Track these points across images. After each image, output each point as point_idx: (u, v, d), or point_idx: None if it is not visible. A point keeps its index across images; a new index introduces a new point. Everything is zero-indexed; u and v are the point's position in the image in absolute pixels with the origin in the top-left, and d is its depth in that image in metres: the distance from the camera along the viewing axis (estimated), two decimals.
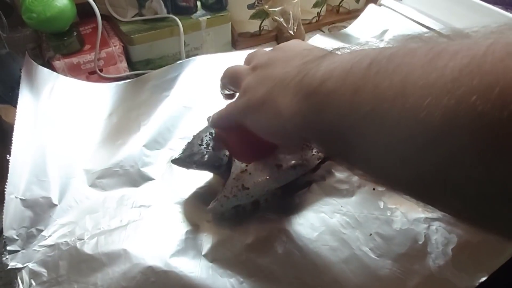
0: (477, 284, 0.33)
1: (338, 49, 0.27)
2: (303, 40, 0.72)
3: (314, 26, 0.77)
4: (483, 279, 0.34)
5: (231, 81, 0.35)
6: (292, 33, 0.69)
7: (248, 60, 0.35)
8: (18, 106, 0.42)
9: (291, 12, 0.67)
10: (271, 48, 0.34)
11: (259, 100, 0.28)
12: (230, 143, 0.38)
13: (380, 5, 0.73)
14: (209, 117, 0.37)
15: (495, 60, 0.15)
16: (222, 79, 0.37)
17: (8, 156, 0.37)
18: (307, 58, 0.28)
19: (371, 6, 0.73)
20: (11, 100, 0.43)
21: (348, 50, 0.26)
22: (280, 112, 0.26)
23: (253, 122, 0.30)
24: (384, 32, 0.70)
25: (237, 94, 0.35)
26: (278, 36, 0.71)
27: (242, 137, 0.37)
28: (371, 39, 0.69)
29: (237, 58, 0.60)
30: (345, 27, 0.73)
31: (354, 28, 0.71)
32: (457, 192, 0.17)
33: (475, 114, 0.15)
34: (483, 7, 0.61)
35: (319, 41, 0.68)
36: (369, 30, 0.70)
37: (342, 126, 0.22)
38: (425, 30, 0.67)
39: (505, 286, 0.33)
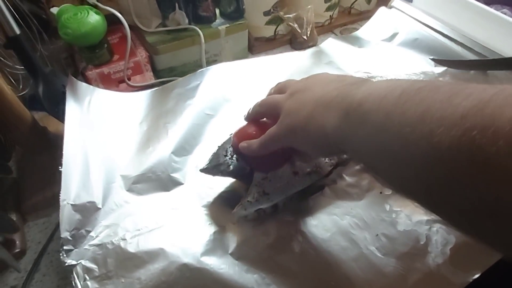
0: (470, 280, 0.37)
1: (374, 77, 0.32)
2: (315, 43, 0.75)
3: (327, 28, 0.79)
4: (476, 275, 0.38)
5: (270, 109, 0.40)
6: (306, 37, 0.72)
7: (279, 89, 0.40)
8: (66, 119, 0.47)
9: (305, 18, 0.70)
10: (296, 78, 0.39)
11: (305, 119, 0.34)
12: (247, 158, 0.43)
13: (390, 7, 0.75)
14: (232, 135, 0.42)
15: (495, 106, 0.20)
16: (259, 108, 0.42)
17: (60, 167, 0.42)
18: (345, 82, 0.33)
19: (382, 9, 0.75)
20: (57, 114, 0.48)
21: (380, 79, 0.31)
22: (324, 128, 0.32)
23: (300, 139, 0.35)
24: (394, 35, 0.72)
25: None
26: (292, 40, 0.75)
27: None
28: (381, 42, 0.72)
29: (253, 65, 0.65)
30: (357, 29, 0.75)
31: (365, 31, 0.73)
32: (455, 205, 0.22)
33: (474, 145, 0.19)
34: (490, 13, 0.63)
35: (332, 44, 0.71)
36: (380, 33, 0.73)
37: (374, 141, 0.27)
38: (433, 33, 0.69)
39: (496, 282, 0.37)
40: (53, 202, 0.43)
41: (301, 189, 0.45)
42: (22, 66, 0.48)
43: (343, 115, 0.30)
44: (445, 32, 0.68)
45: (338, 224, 0.43)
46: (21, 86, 0.55)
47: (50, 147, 0.48)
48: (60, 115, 0.47)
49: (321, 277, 0.39)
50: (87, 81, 0.57)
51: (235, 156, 0.44)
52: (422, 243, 0.41)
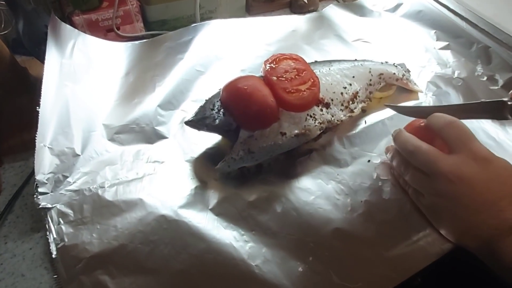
0: (446, 251, 0.37)
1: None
2: (316, 8, 0.72)
3: None
4: (451, 246, 0.38)
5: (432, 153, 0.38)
6: (306, 1, 0.69)
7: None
8: (46, 61, 0.45)
9: None
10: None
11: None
12: (235, 113, 0.41)
13: None
14: (221, 88, 0.41)
15: None
16: (441, 131, 0.39)
17: (37, 108, 0.40)
18: None
19: None
20: (38, 55, 0.45)
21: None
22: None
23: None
24: (398, 6, 0.70)
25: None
26: (292, 2, 0.72)
27: (246, 106, 0.40)
28: (384, 12, 0.69)
29: (248, 25, 0.62)
30: None
31: (369, 0, 0.71)
32: None
33: None
34: None
35: (333, 10, 0.68)
36: (383, 3, 0.71)
37: None
38: (438, 6, 0.67)
39: (469, 253, 0.37)
40: (31, 146, 0.42)
41: (287, 151, 0.44)
42: (3, 1, 0.45)
43: None
44: (450, 6, 0.66)
45: (322, 188, 0.43)
46: (2, 25, 0.52)
47: (31, 90, 0.46)
48: (41, 56, 0.45)
49: (300, 238, 0.38)
50: (74, 27, 0.55)
51: (222, 110, 0.43)
52: (406, 212, 0.41)
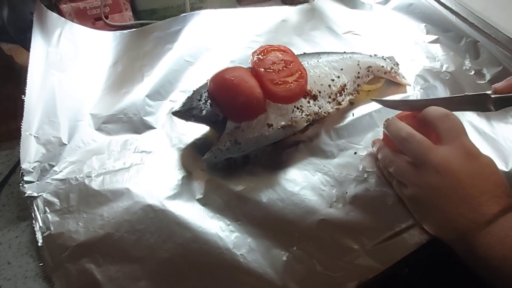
0: (424, 241, 0.38)
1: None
2: (308, 0, 0.72)
3: None
4: (429, 238, 0.38)
5: (423, 142, 0.38)
6: None
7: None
8: (31, 49, 0.45)
9: None
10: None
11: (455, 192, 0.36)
12: (222, 104, 0.41)
13: None
14: (209, 80, 0.41)
15: None
16: (433, 122, 0.39)
17: (23, 96, 0.40)
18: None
19: None
20: (23, 42, 0.45)
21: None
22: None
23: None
24: None
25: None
26: None
27: (233, 98, 0.40)
28: (375, 5, 0.69)
29: (239, 16, 0.62)
30: None
31: None
32: None
33: None
34: None
35: (324, 2, 0.68)
36: None
37: None
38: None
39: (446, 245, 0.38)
40: (17, 135, 0.42)
41: (274, 143, 0.44)
42: None
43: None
44: None
45: (309, 179, 0.43)
46: None
47: (16, 78, 0.46)
48: (26, 44, 0.45)
49: (285, 228, 0.39)
50: (61, 15, 0.54)
51: (209, 101, 0.43)
52: (390, 203, 0.41)
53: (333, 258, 0.37)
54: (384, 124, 0.43)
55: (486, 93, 0.41)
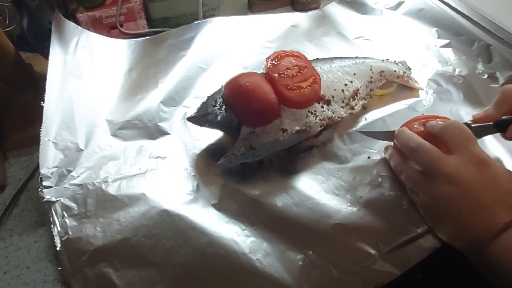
0: (439, 246, 0.38)
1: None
2: (318, 6, 0.72)
3: None
4: (443, 243, 0.38)
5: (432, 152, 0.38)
6: None
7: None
8: (49, 58, 0.46)
9: None
10: None
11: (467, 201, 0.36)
12: (237, 109, 0.42)
13: None
14: (224, 85, 0.41)
15: None
16: (438, 132, 0.39)
17: (42, 103, 0.41)
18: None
19: None
20: (42, 51, 0.46)
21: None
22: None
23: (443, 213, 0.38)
24: (400, 3, 0.70)
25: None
26: (294, 0, 0.72)
27: (248, 103, 0.40)
28: (386, 10, 0.69)
29: (251, 22, 0.63)
30: None
31: None
32: None
33: None
34: None
35: (335, 8, 0.68)
36: (385, 0, 0.71)
37: None
38: (440, 3, 0.67)
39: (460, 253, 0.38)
40: (36, 141, 0.42)
41: (288, 147, 0.45)
42: None
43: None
44: (452, 4, 0.66)
45: (323, 184, 0.43)
46: (7, 22, 0.53)
47: (35, 86, 0.47)
48: (45, 52, 0.46)
49: (300, 232, 0.39)
50: (78, 24, 0.55)
51: (223, 107, 0.43)
52: (404, 207, 0.41)
53: (349, 263, 0.37)
54: (394, 134, 0.43)
55: (466, 123, 0.42)
